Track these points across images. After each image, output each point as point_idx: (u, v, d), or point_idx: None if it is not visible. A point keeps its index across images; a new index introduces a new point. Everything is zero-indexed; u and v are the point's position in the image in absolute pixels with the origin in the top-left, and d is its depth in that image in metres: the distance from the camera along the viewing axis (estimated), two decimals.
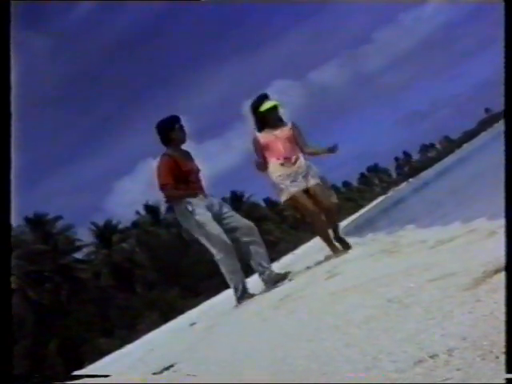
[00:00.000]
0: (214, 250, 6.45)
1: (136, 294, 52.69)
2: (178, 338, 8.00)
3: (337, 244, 7.24)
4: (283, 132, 7.20)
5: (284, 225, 71.16)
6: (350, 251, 6.91)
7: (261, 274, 6.68)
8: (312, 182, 7.12)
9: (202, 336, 5.41)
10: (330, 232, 7.32)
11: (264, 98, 7.27)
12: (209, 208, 6.58)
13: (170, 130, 6.65)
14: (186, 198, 6.50)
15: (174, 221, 62.03)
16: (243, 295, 6.47)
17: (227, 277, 6.51)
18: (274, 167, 7.13)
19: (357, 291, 3.36)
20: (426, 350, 1.91)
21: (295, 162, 7.11)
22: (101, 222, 58.23)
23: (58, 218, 54.03)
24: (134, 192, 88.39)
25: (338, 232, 7.43)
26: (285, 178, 7.08)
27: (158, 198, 63.50)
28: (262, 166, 7.18)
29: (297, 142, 7.20)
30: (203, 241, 6.52)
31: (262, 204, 75.06)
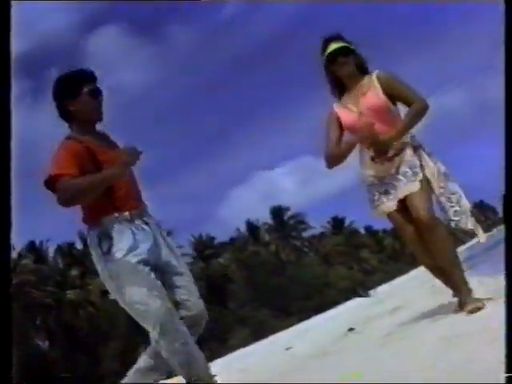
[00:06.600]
0: (146, 323, 3.68)
1: (228, 309, 52.99)
2: (273, 360, 7.93)
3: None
4: (367, 98, 4.50)
5: (382, 254, 70.08)
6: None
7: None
8: (413, 184, 4.45)
9: (300, 364, 5.32)
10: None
11: (330, 39, 4.58)
12: (142, 239, 3.74)
13: (70, 98, 3.80)
14: (108, 216, 3.72)
15: (272, 240, 62.82)
16: None
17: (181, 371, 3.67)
18: (363, 164, 4.65)
19: (474, 339, 3.18)
20: None
21: (394, 156, 4.48)
22: (202, 233, 59.22)
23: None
24: (239, 207, 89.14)
25: (452, 271, 4.47)
26: (378, 185, 4.56)
27: (257, 216, 64.31)
28: (336, 155, 4.59)
29: (397, 100, 4.53)
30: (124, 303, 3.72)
31: (362, 231, 74.25)
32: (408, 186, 4.42)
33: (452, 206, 4.44)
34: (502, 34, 3.26)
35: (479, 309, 4.12)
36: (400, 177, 4.44)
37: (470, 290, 4.40)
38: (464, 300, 4.33)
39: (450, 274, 4.50)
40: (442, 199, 4.45)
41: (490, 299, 4.28)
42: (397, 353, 3.75)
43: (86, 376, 41.62)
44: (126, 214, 3.74)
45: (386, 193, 4.49)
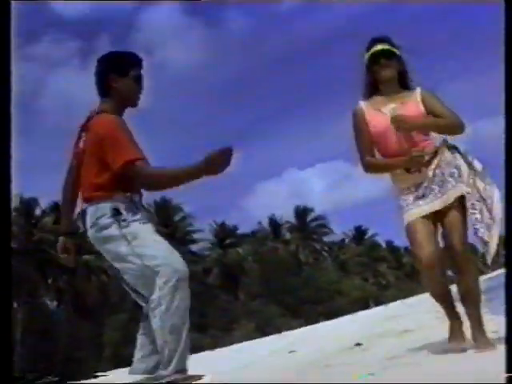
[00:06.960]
0: (158, 277, 3.50)
1: (238, 300, 53.06)
2: (274, 362, 7.91)
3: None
4: (406, 108, 4.30)
5: (400, 271, 69.60)
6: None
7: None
8: (450, 195, 4.24)
9: (301, 371, 5.28)
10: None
11: (377, 40, 4.39)
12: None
13: (117, 74, 3.78)
14: (119, 194, 3.67)
15: (293, 240, 62.64)
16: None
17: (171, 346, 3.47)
18: (396, 173, 4.38)
19: (477, 378, 3.11)
20: None
21: (430, 160, 4.26)
22: (225, 221, 59.33)
23: (180, 207, 54.97)
24: (265, 201, 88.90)
25: (473, 313, 4.29)
26: (414, 190, 4.31)
27: (281, 213, 63.98)
28: (375, 166, 4.44)
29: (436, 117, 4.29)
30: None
31: (383, 245, 73.79)
32: (459, 187, 4.20)
33: (473, 213, 4.15)
34: (501, 34, 3.22)
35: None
36: (448, 178, 4.23)
37: (484, 331, 4.28)
38: (474, 338, 4.24)
39: (466, 308, 4.33)
40: (468, 204, 4.19)
41: (499, 339, 4.22)
42: (398, 379, 3.69)
43: (85, 342, 41.91)
44: (137, 196, 3.75)
45: (424, 196, 4.24)
